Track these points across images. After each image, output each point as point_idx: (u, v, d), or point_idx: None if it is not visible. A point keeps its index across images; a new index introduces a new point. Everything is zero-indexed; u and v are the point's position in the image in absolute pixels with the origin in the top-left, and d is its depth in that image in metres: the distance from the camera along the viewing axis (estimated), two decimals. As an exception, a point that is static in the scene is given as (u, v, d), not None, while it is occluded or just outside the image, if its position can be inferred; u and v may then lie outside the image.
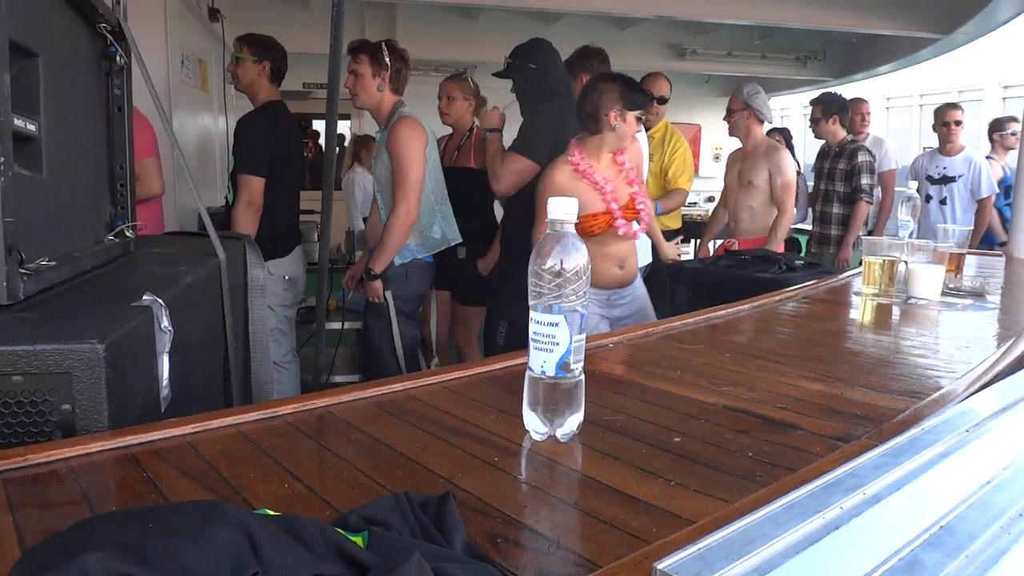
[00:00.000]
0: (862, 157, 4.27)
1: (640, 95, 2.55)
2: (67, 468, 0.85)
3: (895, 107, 9.91)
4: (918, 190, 4.87)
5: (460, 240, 3.08)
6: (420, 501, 0.72)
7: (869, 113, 5.01)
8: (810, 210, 4.78)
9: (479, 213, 3.38)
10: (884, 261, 1.99)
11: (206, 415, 0.99)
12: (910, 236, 2.41)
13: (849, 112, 4.61)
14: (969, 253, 2.46)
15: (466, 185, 3.24)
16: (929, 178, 4.75)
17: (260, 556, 0.50)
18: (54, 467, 0.85)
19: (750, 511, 0.69)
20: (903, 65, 7.19)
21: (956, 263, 2.23)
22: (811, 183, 5.13)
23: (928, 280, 1.94)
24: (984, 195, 4.69)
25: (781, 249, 3.74)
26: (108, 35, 1.47)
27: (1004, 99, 8.49)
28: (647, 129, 3.72)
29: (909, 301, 1.93)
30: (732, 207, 3.84)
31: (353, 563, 0.55)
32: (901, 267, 2.02)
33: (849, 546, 0.64)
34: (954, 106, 4.80)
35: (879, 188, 4.75)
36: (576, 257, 0.93)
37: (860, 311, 1.90)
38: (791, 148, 5.00)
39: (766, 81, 8.52)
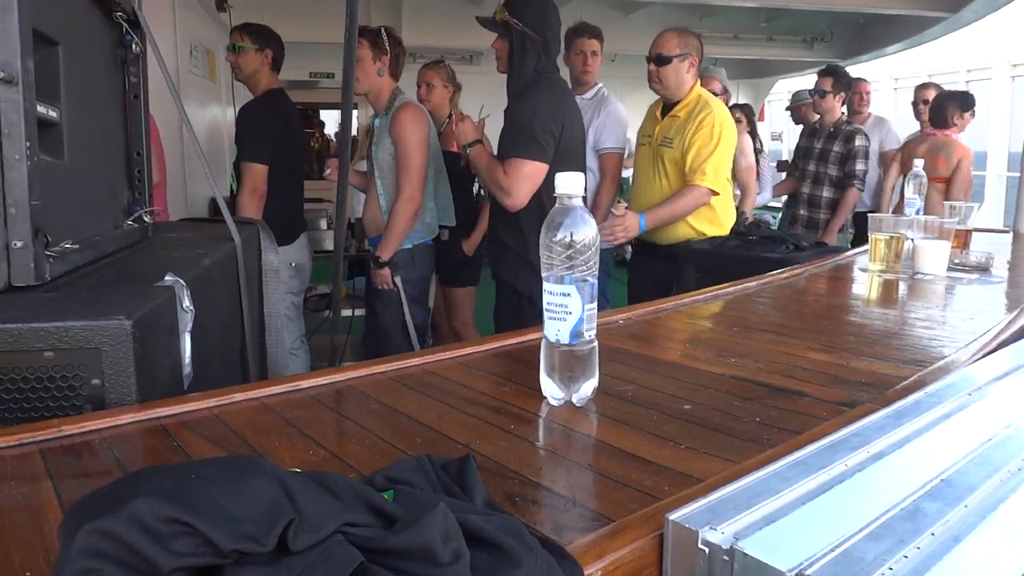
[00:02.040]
0: (859, 141, 4.18)
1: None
2: (100, 439, 0.88)
3: (903, 87, 9.86)
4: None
5: (453, 223, 3.12)
6: (441, 463, 0.75)
7: (869, 93, 4.94)
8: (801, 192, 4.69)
9: (460, 195, 3.38)
10: (890, 237, 2.01)
11: (230, 388, 1.03)
12: (916, 213, 2.43)
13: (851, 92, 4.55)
14: (976, 230, 2.47)
15: (447, 168, 3.26)
16: None
17: (295, 505, 0.53)
18: (87, 438, 0.89)
19: (757, 469, 0.72)
20: (911, 45, 7.16)
21: (962, 239, 2.24)
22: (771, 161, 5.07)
23: (934, 256, 1.95)
24: None
25: None
26: (124, 24, 1.50)
27: (1013, 77, 8.44)
28: (670, 109, 3.04)
29: (915, 277, 1.95)
30: None
31: (381, 514, 0.58)
32: (907, 243, 2.04)
33: (853, 498, 0.67)
34: (926, 86, 4.78)
35: (882, 168, 4.72)
36: (585, 229, 0.96)
37: (866, 287, 1.93)
38: (753, 125, 4.95)
39: (773, 63, 8.50)
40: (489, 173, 2.58)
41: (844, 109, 4.41)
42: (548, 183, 2.53)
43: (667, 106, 3.01)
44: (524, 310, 2.63)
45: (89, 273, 1.25)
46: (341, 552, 0.52)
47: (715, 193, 2.85)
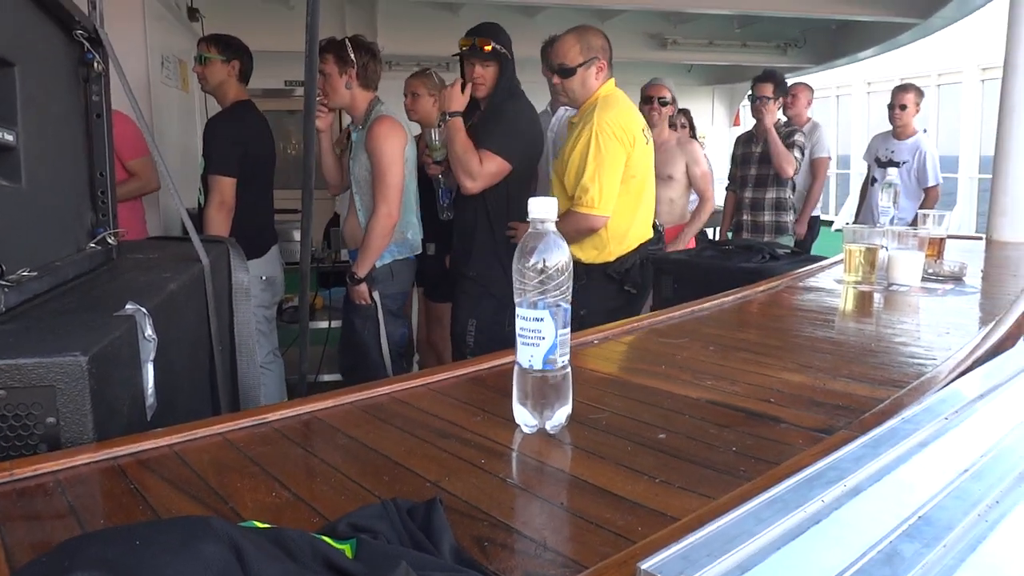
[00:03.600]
0: (798, 137, 4.13)
1: None
2: (54, 481, 0.85)
3: (876, 91, 9.96)
4: (869, 170, 4.75)
5: (420, 248, 3.09)
6: (407, 507, 0.72)
7: (795, 96, 4.73)
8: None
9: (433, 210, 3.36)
10: (864, 248, 2.01)
11: (192, 424, 0.99)
12: (890, 222, 2.44)
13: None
14: (950, 237, 2.49)
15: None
16: (877, 160, 4.59)
17: (247, 570, 0.51)
18: (41, 480, 0.85)
19: (733, 507, 0.70)
20: (883, 50, 7.24)
21: (936, 247, 2.25)
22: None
23: (908, 266, 1.96)
24: (930, 184, 4.52)
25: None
26: (85, 42, 1.46)
27: (983, 81, 8.56)
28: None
29: (890, 288, 1.95)
30: None
31: (341, 573, 0.56)
32: (882, 254, 2.04)
33: (829, 540, 0.65)
34: (904, 88, 4.58)
35: (809, 175, 4.60)
36: (558, 254, 0.95)
37: (842, 299, 1.92)
38: (693, 130, 4.90)
39: (747, 69, 8.57)
40: (463, 150, 2.67)
41: (780, 113, 4.33)
42: (513, 181, 2.75)
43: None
44: (483, 300, 2.73)
45: (48, 301, 1.21)
46: (295, 620, 0.50)
47: (600, 217, 2.46)
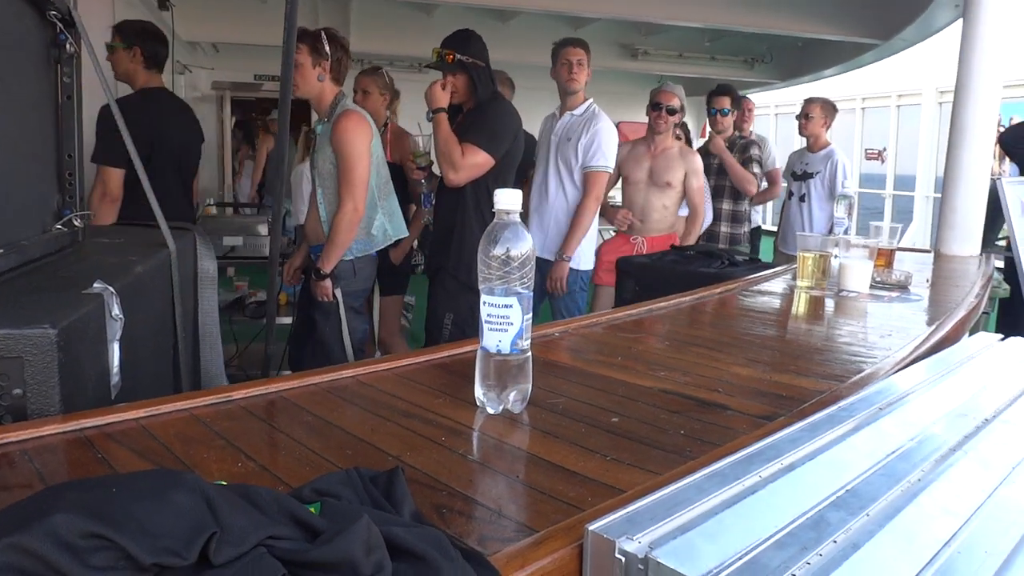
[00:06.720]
0: (754, 151, 4.25)
1: None
2: (20, 451, 0.86)
3: (840, 109, 10.21)
4: (787, 186, 4.75)
5: (406, 234, 3.11)
6: (370, 475, 0.76)
7: (751, 111, 4.96)
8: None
9: None
10: (817, 255, 2.09)
11: (159, 400, 1.01)
12: (844, 232, 2.53)
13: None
14: (900, 249, 2.58)
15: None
16: (793, 174, 4.63)
17: (218, 518, 0.54)
18: (6, 450, 0.86)
19: (677, 480, 0.75)
20: (846, 69, 7.45)
21: (886, 258, 2.34)
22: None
23: (857, 274, 2.04)
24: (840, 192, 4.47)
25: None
26: (58, 23, 1.47)
27: (940, 103, 8.82)
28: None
29: (840, 293, 2.03)
30: (640, 204, 3.75)
31: (306, 527, 0.59)
32: (834, 262, 2.13)
33: (764, 508, 0.70)
34: (811, 100, 4.60)
35: (766, 182, 4.71)
36: (522, 244, 0.99)
37: (794, 303, 2.00)
38: (689, 142, 5.03)
39: (715, 82, 8.72)
40: (446, 144, 2.82)
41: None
42: (495, 178, 2.85)
43: None
44: (461, 294, 2.82)
45: (15, 278, 1.22)
46: (263, 565, 0.53)
47: None
